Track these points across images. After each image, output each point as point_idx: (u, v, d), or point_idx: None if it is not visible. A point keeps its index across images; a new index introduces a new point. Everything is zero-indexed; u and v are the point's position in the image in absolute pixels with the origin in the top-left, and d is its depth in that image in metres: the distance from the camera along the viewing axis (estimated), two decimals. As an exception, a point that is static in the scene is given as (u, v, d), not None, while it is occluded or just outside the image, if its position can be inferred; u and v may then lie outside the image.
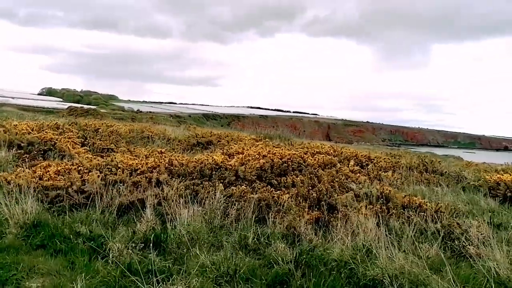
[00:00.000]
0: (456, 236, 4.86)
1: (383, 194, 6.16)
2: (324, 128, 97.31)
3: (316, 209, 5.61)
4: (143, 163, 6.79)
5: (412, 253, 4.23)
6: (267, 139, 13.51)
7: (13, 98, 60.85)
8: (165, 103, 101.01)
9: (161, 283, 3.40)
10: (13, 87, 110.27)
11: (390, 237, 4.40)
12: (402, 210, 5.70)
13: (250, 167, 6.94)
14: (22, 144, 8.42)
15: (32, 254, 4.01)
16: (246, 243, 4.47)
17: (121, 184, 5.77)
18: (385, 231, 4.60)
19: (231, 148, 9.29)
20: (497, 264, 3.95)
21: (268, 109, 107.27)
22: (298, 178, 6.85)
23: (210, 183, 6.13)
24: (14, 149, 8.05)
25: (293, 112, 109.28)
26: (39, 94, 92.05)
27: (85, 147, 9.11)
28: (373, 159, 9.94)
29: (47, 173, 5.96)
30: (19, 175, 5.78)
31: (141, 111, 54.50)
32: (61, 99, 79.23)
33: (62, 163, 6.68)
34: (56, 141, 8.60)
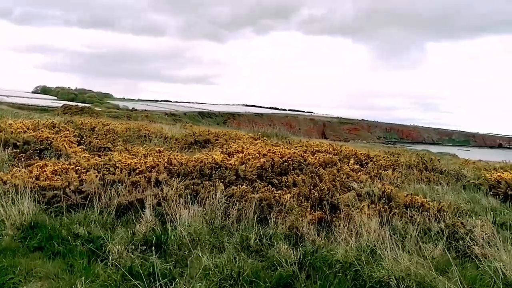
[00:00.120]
0: (460, 236, 4.81)
1: (385, 193, 6.11)
2: (319, 126, 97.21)
3: (318, 209, 5.54)
4: (142, 162, 6.69)
5: (416, 253, 4.17)
6: (264, 138, 13.42)
7: (7, 96, 60.30)
8: (160, 101, 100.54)
9: (164, 287, 3.31)
10: (7, 85, 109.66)
11: (394, 237, 4.33)
12: (404, 210, 5.64)
13: (250, 166, 6.86)
14: (18, 143, 8.28)
15: (29, 257, 3.92)
16: (248, 244, 4.38)
17: (119, 184, 5.68)
18: (389, 231, 4.53)
19: (231, 147, 9.20)
20: (503, 265, 3.89)
21: (264, 107, 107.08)
22: (299, 177, 6.78)
23: (210, 182, 6.05)
24: (9, 149, 7.91)
25: (289, 110, 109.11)
26: (33, 92, 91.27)
27: (82, 146, 9.00)
28: (373, 158, 9.89)
29: (44, 173, 5.85)
30: (15, 175, 5.68)
31: (136, 109, 54.21)
32: (55, 98, 78.69)
33: (59, 163, 6.58)
34: (53, 140, 8.48)
